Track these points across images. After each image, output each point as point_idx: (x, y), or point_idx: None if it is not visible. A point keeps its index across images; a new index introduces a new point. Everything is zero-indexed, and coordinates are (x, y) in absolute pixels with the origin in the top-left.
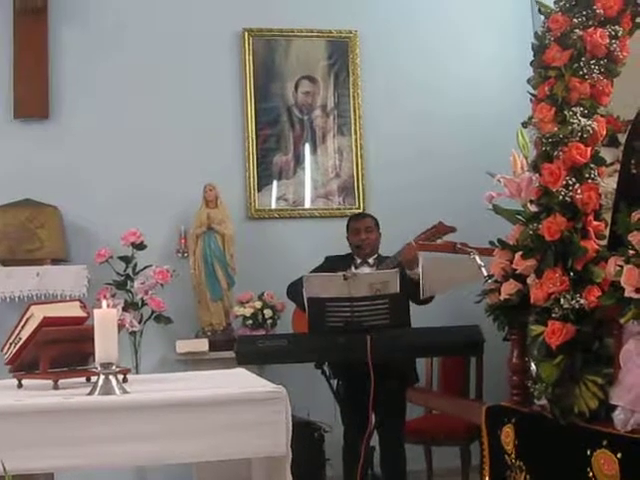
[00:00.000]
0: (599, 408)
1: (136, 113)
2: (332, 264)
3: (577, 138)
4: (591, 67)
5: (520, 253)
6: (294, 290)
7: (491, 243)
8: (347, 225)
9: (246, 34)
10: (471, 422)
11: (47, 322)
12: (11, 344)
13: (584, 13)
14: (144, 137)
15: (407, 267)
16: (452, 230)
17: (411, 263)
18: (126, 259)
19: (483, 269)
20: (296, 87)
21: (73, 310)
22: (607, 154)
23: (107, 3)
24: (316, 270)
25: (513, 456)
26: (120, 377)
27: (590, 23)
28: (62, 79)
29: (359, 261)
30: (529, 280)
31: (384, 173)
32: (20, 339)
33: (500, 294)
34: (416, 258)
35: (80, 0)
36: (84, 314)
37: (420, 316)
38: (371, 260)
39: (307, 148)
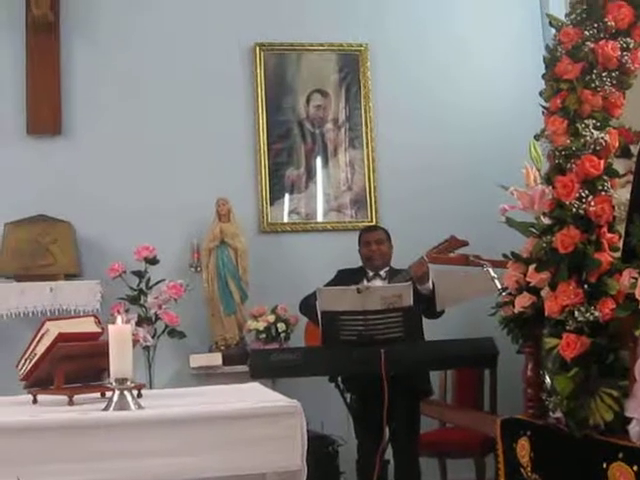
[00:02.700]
0: (614, 421)
1: (148, 128)
2: (344, 277)
3: (590, 150)
4: (603, 79)
5: (534, 266)
6: (307, 305)
7: (504, 256)
8: (359, 238)
9: (257, 48)
10: (485, 435)
11: (62, 338)
12: (26, 360)
13: (595, 26)
14: (156, 152)
15: (417, 282)
16: (464, 244)
17: (421, 278)
18: (139, 274)
19: (497, 281)
20: (307, 101)
21: (88, 325)
22: (620, 165)
23: (118, 18)
24: (329, 284)
25: (529, 469)
26: (135, 392)
27: (601, 35)
28: (74, 95)
29: (371, 274)
30: (543, 293)
31: (396, 185)
32: (35, 355)
33: (514, 307)
34: (426, 274)
35: (91, 16)
36: (99, 329)
37: (434, 329)
38: (383, 273)
39: (319, 161)
